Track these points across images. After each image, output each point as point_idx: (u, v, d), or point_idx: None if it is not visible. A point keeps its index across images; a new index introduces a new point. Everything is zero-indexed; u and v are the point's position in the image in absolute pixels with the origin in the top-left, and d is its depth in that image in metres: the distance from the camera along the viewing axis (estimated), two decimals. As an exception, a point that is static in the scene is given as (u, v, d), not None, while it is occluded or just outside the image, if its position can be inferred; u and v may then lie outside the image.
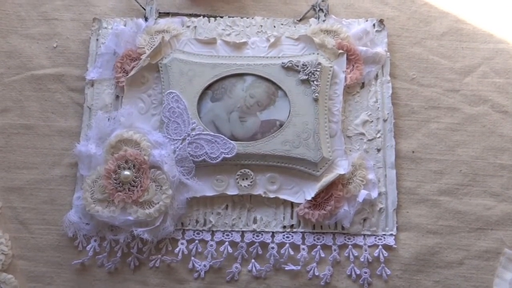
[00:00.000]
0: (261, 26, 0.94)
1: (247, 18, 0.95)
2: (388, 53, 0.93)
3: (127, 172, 0.84)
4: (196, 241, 0.86)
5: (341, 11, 0.96)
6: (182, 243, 0.86)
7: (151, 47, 0.91)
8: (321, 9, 0.95)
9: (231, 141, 0.86)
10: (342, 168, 0.86)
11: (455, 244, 0.86)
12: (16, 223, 0.88)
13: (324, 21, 0.94)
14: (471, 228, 0.86)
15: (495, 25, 0.96)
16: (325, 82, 0.89)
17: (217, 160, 0.86)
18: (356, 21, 0.94)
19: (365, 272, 0.84)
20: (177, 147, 0.86)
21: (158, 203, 0.84)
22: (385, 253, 0.85)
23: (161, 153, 0.85)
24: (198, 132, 0.87)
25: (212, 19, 0.95)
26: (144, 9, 0.96)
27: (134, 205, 0.84)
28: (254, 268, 0.84)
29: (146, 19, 0.95)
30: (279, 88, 0.89)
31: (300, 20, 0.95)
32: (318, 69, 0.88)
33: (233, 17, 0.95)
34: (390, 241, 0.85)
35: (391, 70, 0.92)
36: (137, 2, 0.96)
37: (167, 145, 0.86)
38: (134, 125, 0.88)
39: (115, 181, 0.84)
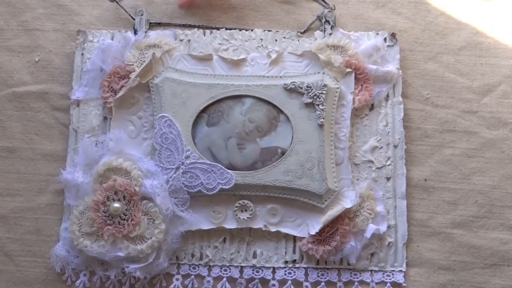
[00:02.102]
0: (261, 39, 0.86)
1: (246, 30, 0.87)
2: (400, 71, 0.85)
3: (116, 205, 0.79)
4: (192, 277, 0.81)
5: (349, 22, 0.88)
6: (177, 279, 0.81)
7: (141, 63, 0.83)
8: (327, 21, 0.86)
9: (229, 171, 0.80)
10: (349, 200, 0.80)
11: (469, 281, 0.81)
12: (0, 255, 0.83)
13: (330, 34, 0.86)
14: (486, 264, 0.81)
15: (518, 38, 0.88)
16: (331, 105, 0.81)
17: (214, 192, 0.80)
18: (365, 35, 0.86)
19: (372, 311, 0.80)
20: (170, 177, 0.80)
21: (150, 238, 0.78)
22: (394, 291, 0.80)
23: (153, 183, 0.79)
24: (193, 161, 0.80)
25: (207, 32, 0.87)
26: (133, 19, 0.88)
27: (125, 240, 0.79)
28: (254, 306, 0.80)
29: (135, 31, 0.87)
30: (281, 112, 0.81)
31: (304, 32, 0.87)
32: (324, 91, 0.81)
33: (230, 29, 0.87)
34: (399, 278, 0.80)
35: (403, 89, 0.85)
36: (126, 12, 0.88)
37: (160, 174, 0.80)
38: (124, 151, 0.82)
39: (104, 214, 0.79)
